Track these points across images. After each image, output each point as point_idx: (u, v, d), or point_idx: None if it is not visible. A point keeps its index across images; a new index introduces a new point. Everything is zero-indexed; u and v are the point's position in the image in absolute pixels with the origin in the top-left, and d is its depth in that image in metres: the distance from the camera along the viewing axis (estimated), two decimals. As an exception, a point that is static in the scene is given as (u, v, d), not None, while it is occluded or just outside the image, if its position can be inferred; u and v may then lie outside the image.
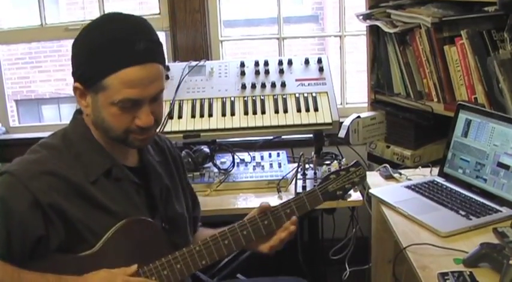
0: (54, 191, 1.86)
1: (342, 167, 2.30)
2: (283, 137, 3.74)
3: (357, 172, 2.27)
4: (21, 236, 1.82)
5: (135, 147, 2.06)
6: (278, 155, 3.41)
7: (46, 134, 4.03)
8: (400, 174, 3.07)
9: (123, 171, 2.03)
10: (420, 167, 3.19)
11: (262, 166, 3.28)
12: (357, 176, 2.27)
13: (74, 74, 1.96)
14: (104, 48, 1.87)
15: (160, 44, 1.98)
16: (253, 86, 3.49)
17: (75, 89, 1.96)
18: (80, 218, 1.89)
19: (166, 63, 3.51)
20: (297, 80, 3.51)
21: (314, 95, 3.42)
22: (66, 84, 9.37)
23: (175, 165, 2.31)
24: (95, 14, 4.15)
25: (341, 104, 4.22)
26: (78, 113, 2.08)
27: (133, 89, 1.86)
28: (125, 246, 1.95)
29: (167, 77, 3.49)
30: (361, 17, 3.51)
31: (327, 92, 3.43)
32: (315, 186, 2.32)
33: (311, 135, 3.40)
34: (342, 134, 3.37)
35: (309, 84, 3.49)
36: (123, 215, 1.95)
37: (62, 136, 2.03)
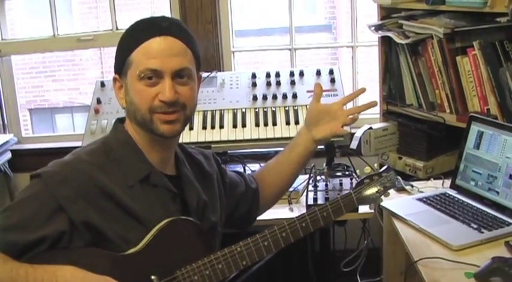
0: (82, 198, 1.87)
1: (374, 172, 2.31)
2: (294, 148, 3.73)
3: (389, 177, 2.30)
4: (40, 234, 1.82)
5: (162, 135, 2.02)
6: (289, 166, 3.40)
7: (59, 145, 4.11)
8: (412, 186, 3.06)
9: (160, 178, 2.04)
10: (432, 179, 3.17)
11: (274, 177, 3.27)
12: (388, 180, 2.30)
13: (114, 70, 2.08)
14: (131, 31, 2.03)
15: (190, 33, 2.06)
16: (265, 97, 3.49)
17: (113, 82, 2.08)
18: (109, 225, 1.90)
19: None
20: (308, 92, 3.49)
21: (326, 106, 3.41)
22: (79, 93, 9.41)
23: (212, 179, 2.30)
24: (108, 24, 4.17)
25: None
26: (118, 121, 2.13)
27: (153, 59, 1.94)
28: (168, 245, 1.96)
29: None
30: (373, 28, 3.50)
31: (338, 104, 3.42)
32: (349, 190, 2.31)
33: (322, 147, 3.39)
34: (353, 145, 3.35)
35: (320, 96, 3.48)
36: (153, 222, 1.95)
37: (102, 142, 2.07)
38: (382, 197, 2.31)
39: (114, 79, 2.07)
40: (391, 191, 2.95)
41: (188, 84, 2.01)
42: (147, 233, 1.94)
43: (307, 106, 3.35)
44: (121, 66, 2.01)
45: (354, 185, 2.30)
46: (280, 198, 2.67)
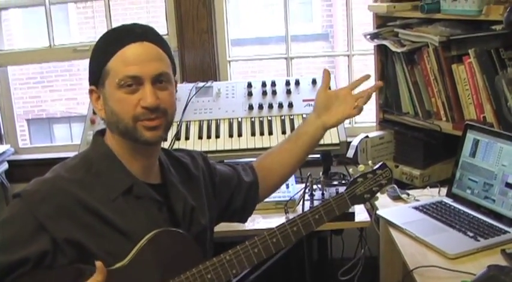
0: (63, 215, 1.86)
1: (369, 170, 2.27)
2: (291, 157, 3.72)
3: (384, 174, 2.27)
4: (22, 255, 1.80)
5: (146, 142, 1.99)
6: (286, 175, 3.40)
7: (56, 155, 4.11)
8: (408, 194, 3.05)
9: (144, 189, 2.02)
10: (428, 187, 3.16)
11: (270, 187, 3.27)
12: (383, 178, 2.26)
13: (89, 82, 2.04)
14: (105, 40, 2.00)
15: (163, 38, 2.05)
16: (261, 106, 3.48)
17: (90, 94, 2.03)
18: (93, 241, 1.88)
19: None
20: (304, 101, 3.50)
21: (321, 115, 3.41)
22: (77, 103, 9.41)
23: (199, 179, 2.28)
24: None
25: (349, 123, 4.20)
26: (98, 134, 2.10)
27: (132, 66, 1.91)
28: (156, 257, 1.93)
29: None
30: (368, 37, 3.50)
31: (334, 113, 3.42)
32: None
33: (318, 156, 3.39)
34: (350, 154, 3.35)
35: (316, 105, 3.48)
36: (139, 235, 1.93)
37: (82, 157, 2.05)
38: (379, 195, 2.28)
39: (91, 91, 2.03)
40: (388, 200, 2.98)
41: (168, 89, 1.99)
42: (133, 246, 1.92)
43: (304, 115, 3.39)
44: (97, 76, 1.98)
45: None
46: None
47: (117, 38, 1.96)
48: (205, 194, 2.27)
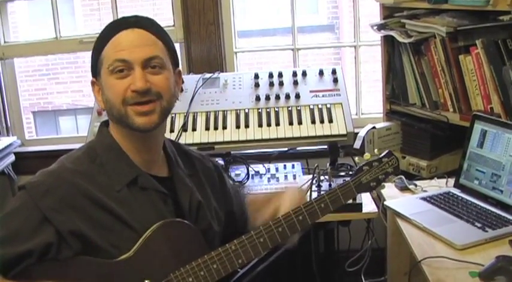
0: (68, 207, 1.86)
1: (374, 158, 2.22)
2: (298, 148, 3.72)
3: (390, 162, 2.22)
4: (26, 247, 1.81)
5: (139, 128, 1.96)
6: (293, 166, 3.40)
7: (62, 147, 4.12)
8: (416, 185, 3.05)
9: (149, 181, 2.01)
10: (436, 178, 3.15)
11: (277, 178, 3.27)
12: (389, 166, 2.22)
13: (91, 74, 2.04)
14: (100, 33, 2.00)
15: (162, 28, 2.05)
16: (268, 97, 3.48)
17: (92, 86, 2.04)
18: (98, 233, 1.88)
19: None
20: (311, 92, 3.50)
21: (328, 106, 3.41)
22: (82, 95, 9.41)
23: (208, 179, 2.25)
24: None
25: (356, 114, 4.20)
26: (103, 125, 2.10)
27: (122, 51, 1.93)
28: (161, 248, 1.93)
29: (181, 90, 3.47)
30: (375, 28, 3.49)
31: (341, 103, 3.42)
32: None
33: (325, 147, 3.38)
34: (357, 145, 3.34)
35: (323, 96, 3.47)
36: (144, 226, 1.93)
37: (87, 148, 2.04)
38: (385, 184, 2.24)
39: (92, 83, 2.04)
40: (395, 191, 2.98)
41: (161, 74, 1.97)
42: (138, 238, 1.91)
43: (310, 105, 3.38)
44: (95, 67, 2.00)
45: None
46: None
47: (110, 28, 1.98)
48: (213, 195, 2.23)
